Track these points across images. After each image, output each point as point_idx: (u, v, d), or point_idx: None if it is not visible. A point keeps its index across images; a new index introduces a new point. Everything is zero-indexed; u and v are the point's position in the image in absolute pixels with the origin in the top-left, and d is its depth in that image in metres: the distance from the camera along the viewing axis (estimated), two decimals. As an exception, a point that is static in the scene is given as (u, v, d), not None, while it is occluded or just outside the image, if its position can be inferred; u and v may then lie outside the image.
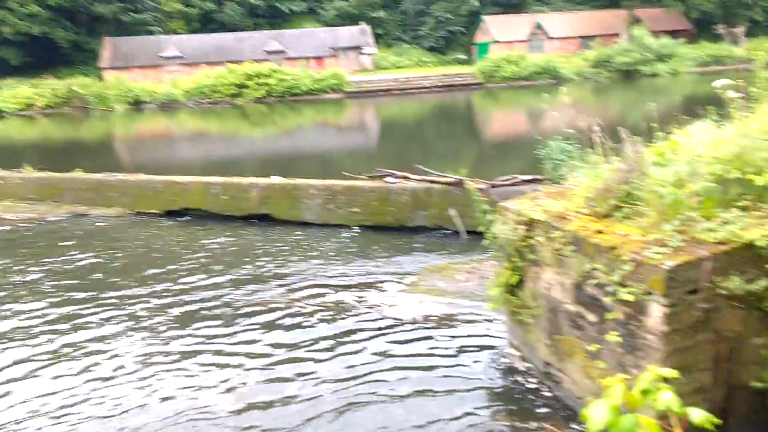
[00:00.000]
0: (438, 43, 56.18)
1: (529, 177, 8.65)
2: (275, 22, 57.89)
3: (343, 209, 9.67)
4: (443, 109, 34.08)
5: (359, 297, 6.60)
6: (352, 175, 10.05)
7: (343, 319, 6.06)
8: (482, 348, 5.32)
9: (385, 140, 23.91)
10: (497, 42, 51.33)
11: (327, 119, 32.22)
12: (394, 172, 9.82)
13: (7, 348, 5.80)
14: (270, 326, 6.01)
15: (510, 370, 4.91)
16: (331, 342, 5.59)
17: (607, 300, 3.67)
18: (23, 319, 6.44)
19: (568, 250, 3.97)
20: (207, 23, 56.50)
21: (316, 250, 8.52)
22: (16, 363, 5.49)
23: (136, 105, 39.20)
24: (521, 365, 4.91)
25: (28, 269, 8.17)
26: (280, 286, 7.09)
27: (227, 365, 5.25)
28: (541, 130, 10.96)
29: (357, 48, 51.31)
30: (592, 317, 3.89)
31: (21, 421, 4.56)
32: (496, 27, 52.84)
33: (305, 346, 5.53)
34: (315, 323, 6.01)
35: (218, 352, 5.51)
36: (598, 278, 3.72)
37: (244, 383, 4.94)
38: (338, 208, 9.70)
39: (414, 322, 5.88)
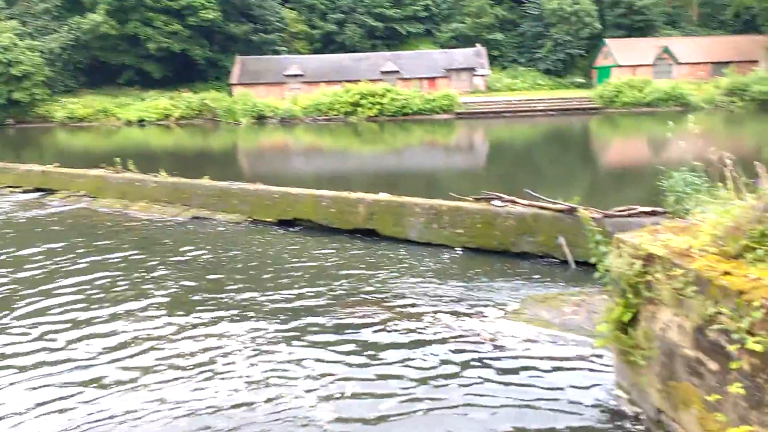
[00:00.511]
0: (555, 66, 54.84)
1: (649, 209, 8.15)
2: (392, 43, 59.62)
3: (447, 229, 9.66)
4: (557, 133, 33.10)
5: (458, 319, 6.53)
6: (458, 196, 10.02)
7: (440, 338, 6.03)
8: (587, 386, 5.06)
9: (493, 163, 23.63)
10: (619, 66, 49.24)
11: (436, 139, 32.43)
12: (502, 195, 9.66)
13: (128, 330, 6.44)
14: (367, 336, 6.16)
15: (617, 414, 4.62)
16: (426, 357, 5.63)
17: (731, 348, 3.37)
18: (147, 307, 7.06)
19: (690, 290, 3.70)
20: (328, 44, 59.39)
21: (417, 268, 8.57)
22: (133, 342, 6.09)
23: (260, 119, 41.95)
24: (629, 409, 4.61)
25: (157, 264, 8.94)
26: (380, 300, 7.21)
27: (325, 367, 5.47)
28: (664, 160, 10.32)
29: (470, 69, 51.37)
30: (713, 365, 3.59)
31: (134, 399, 4.97)
32: (619, 51, 50.71)
33: (399, 357, 5.64)
34: (411, 339, 6.06)
35: (317, 352, 5.78)
36: (723, 323, 3.43)
37: (340, 390, 5.08)
38: (442, 228, 9.71)
39: (514, 351, 5.72)
